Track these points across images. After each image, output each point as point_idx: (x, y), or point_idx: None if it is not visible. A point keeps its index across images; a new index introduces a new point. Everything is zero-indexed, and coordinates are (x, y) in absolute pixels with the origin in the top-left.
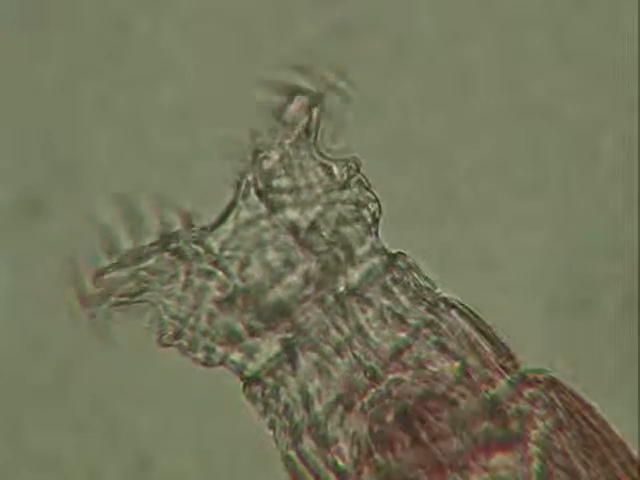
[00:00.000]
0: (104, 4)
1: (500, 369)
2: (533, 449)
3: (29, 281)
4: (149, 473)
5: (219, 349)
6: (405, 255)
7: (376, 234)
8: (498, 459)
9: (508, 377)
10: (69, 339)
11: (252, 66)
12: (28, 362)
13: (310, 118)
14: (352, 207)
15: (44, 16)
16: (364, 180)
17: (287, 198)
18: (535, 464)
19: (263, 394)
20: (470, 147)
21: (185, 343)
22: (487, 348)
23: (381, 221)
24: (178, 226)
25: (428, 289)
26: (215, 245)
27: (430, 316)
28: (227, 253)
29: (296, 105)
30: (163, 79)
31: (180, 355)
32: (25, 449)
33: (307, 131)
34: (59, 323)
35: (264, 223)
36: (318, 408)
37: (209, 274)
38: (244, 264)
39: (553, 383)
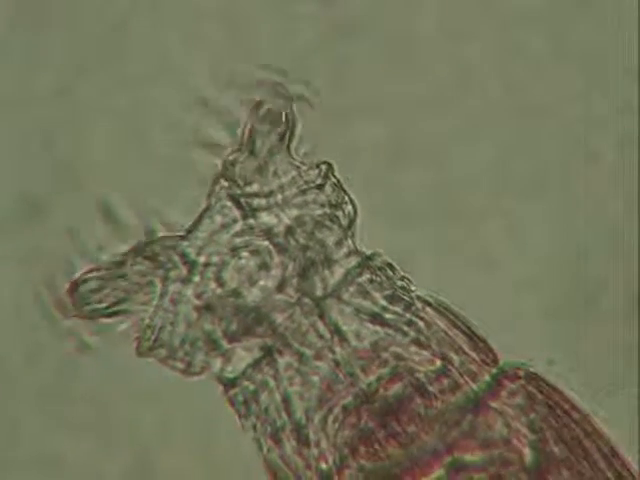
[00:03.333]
0: (104, 4)
1: (479, 364)
2: (515, 442)
3: (29, 281)
4: (149, 473)
5: (199, 357)
6: (381, 255)
7: (352, 236)
8: (480, 453)
9: (488, 372)
10: (68, 339)
11: (251, 66)
12: (28, 362)
13: (283, 123)
14: (327, 210)
15: (44, 16)
16: (338, 182)
17: (261, 202)
18: (520, 455)
19: (244, 398)
20: (470, 147)
21: (163, 352)
22: (465, 344)
23: (357, 222)
24: (155, 232)
25: (404, 288)
26: (190, 251)
27: (407, 314)
28: (202, 259)
29: (264, 111)
30: (163, 79)
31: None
32: (25, 449)
33: (281, 136)
34: (59, 323)
35: (239, 228)
36: (299, 411)
37: (185, 281)
38: (220, 269)
39: (532, 377)
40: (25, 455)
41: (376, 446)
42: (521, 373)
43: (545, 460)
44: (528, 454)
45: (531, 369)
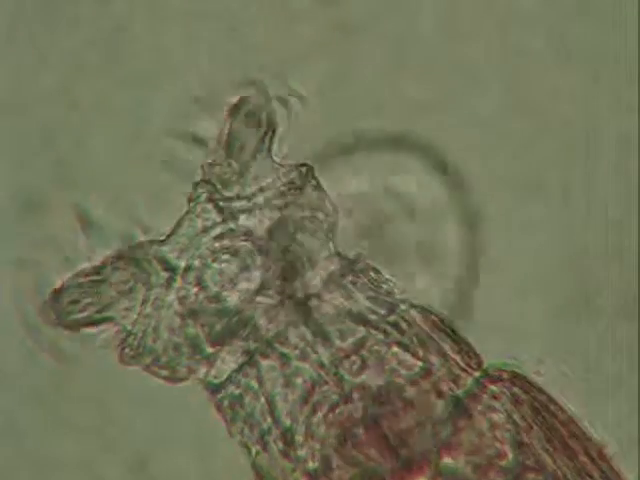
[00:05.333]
0: (103, 4)
1: (463, 367)
2: (499, 445)
3: (28, 280)
4: (149, 473)
5: (183, 362)
6: (364, 258)
7: (333, 238)
8: (465, 457)
9: (471, 375)
10: (69, 339)
11: (251, 66)
12: (27, 362)
13: (263, 124)
14: (308, 212)
15: (43, 16)
16: (319, 184)
17: (242, 205)
18: (504, 459)
19: (230, 403)
20: (469, 147)
21: (147, 359)
22: (449, 347)
23: (338, 225)
24: (136, 238)
25: (388, 291)
26: (171, 256)
27: (391, 316)
28: (183, 263)
29: (244, 111)
30: (162, 79)
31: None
32: (24, 450)
33: (260, 137)
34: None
35: (219, 231)
36: (283, 413)
37: (167, 286)
38: (201, 273)
39: (517, 378)
40: (23, 456)
41: (361, 448)
42: (505, 375)
43: (529, 462)
44: (511, 456)
45: (516, 370)
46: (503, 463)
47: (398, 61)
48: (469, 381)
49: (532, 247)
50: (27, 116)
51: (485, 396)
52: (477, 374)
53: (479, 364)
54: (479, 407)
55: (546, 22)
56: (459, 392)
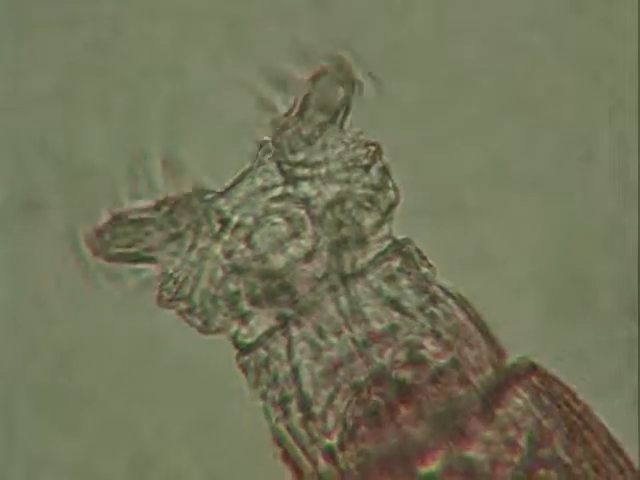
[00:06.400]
0: (103, 4)
1: (490, 360)
2: (518, 433)
3: (27, 281)
4: (149, 473)
5: (217, 316)
6: (411, 243)
7: (389, 221)
8: (481, 449)
9: (498, 369)
10: (68, 339)
11: (251, 66)
12: (26, 361)
13: (342, 97)
14: (370, 192)
15: (43, 15)
16: (385, 166)
17: (305, 172)
18: (519, 452)
19: (255, 366)
20: (467, 146)
21: (183, 306)
22: (480, 340)
23: (396, 209)
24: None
25: (429, 277)
26: (226, 209)
27: (428, 304)
28: (236, 218)
29: (325, 81)
30: (162, 79)
31: (178, 319)
32: (23, 450)
33: (336, 110)
34: (57, 322)
35: (277, 193)
36: (307, 384)
37: (216, 238)
38: (252, 231)
39: (535, 369)
40: (22, 455)
41: (380, 428)
42: (526, 368)
43: (544, 455)
44: (526, 450)
45: (539, 368)
46: (518, 456)
47: (396, 60)
48: (494, 374)
49: (530, 245)
50: (27, 116)
51: (508, 390)
52: (503, 369)
53: (503, 358)
54: (501, 400)
55: (543, 22)
56: (484, 384)
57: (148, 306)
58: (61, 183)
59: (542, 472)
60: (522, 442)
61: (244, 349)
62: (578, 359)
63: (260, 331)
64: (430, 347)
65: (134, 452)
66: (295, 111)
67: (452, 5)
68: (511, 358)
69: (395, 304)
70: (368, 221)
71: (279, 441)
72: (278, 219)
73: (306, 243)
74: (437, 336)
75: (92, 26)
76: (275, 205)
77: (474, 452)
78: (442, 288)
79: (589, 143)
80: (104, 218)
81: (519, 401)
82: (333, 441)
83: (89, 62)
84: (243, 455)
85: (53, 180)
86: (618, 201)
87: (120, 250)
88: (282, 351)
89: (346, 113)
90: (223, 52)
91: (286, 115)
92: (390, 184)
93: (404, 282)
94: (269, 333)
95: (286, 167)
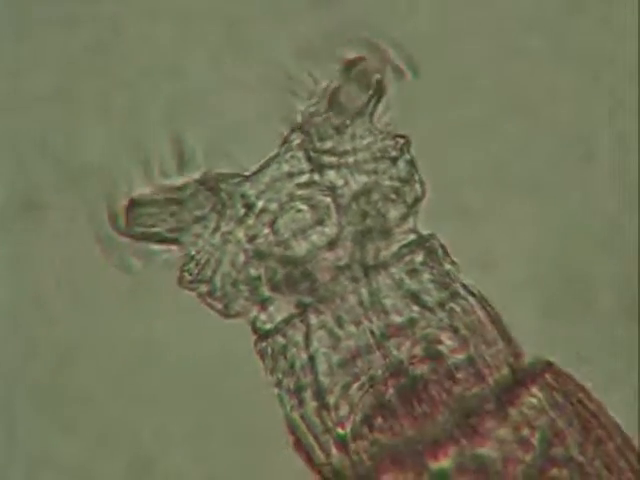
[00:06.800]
0: (103, 4)
1: (506, 359)
2: (531, 432)
3: (27, 281)
4: (149, 473)
5: (238, 300)
6: (435, 238)
7: (414, 215)
8: (494, 446)
9: (514, 368)
10: (68, 339)
11: (250, 66)
12: (26, 361)
13: (374, 87)
14: (397, 184)
15: (43, 15)
16: (413, 160)
17: (332, 160)
18: (532, 451)
19: (273, 352)
20: (467, 147)
21: (204, 289)
22: (497, 339)
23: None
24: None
25: (451, 273)
26: (251, 193)
27: (448, 299)
28: (261, 203)
29: (358, 70)
30: (162, 79)
31: (198, 302)
32: (23, 450)
33: (367, 100)
34: (57, 322)
35: (304, 180)
36: (324, 373)
37: (240, 222)
38: (276, 217)
39: (550, 367)
40: (22, 455)
41: (393, 421)
42: (542, 368)
43: (557, 455)
44: (538, 448)
45: (554, 366)
46: (531, 455)
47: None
48: (510, 373)
49: (529, 246)
50: (27, 116)
51: (523, 389)
52: (519, 368)
53: (520, 357)
54: (516, 399)
55: (543, 22)
56: (499, 382)
57: (149, 306)
58: (61, 183)
59: (555, 471)
60: (535, 441)
61: (262, 335)
62: (581, 362)
63: (279, 318)
64: (447, 342)
65: (133, 453)
66: (326, 99)
67: (453, 5)
68: (534, 361)
69: (415, 298)
70: (393, 213)
71: (292, 430)
72: (303, 206)
73: (330, 231)
74: (455, 332)
75: (92, 26)
76: (301, 192)
77: (487, 449)
78: (464, 285)
79: (589, 143)
80: (130, 196)
81: (533, 400)
82: (346, 431)
83: (89, 62)
84: (241, 457)
85: (53, 180)
86: (618, 201)
87: (144, 229)
88: (300, 339)
89: (377, 103)
90: (223, 52)
91: (317, 103)
92: (417, 177)
93: (426, 276)
94: (288, 320)
95: (313, 155)
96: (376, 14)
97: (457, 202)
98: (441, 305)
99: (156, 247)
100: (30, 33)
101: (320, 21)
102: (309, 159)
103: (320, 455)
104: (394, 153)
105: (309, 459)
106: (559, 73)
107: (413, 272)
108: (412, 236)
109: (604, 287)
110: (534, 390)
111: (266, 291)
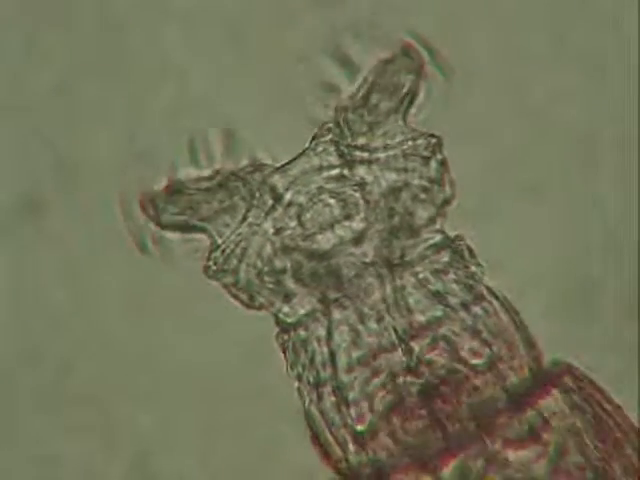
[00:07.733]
0: (103, 3)
1: (527, 364)
2: (548, 436)
3: (28, 281)
4: (149, 473)
5: (263, 292)
6: (463, 239)
7: (442, 215)
8: (511, 451)
9: (534, 372)
10: (68, 339)
11: (251, 66)
12: (27, 362)
13: (409, 86)
14: (427, 184)
15: (43, 15)
16: (444, 160)
17: (363, 156)
18: (550, 447)
19: (294, 346)
20: (470, 148)
21: (229, 279)
22: (519, 343)
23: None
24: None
25: (477, 276)
26: (280, 185)
27: (472, 301)
28: (289, 195)
29: (395, 68)
30: (163, 79)
31: (224, 293)
32: (23, 450)
33: (402, 98)
34: (57, 323)
35: (333, 174)
36: (344, 368)
37: (267, 213)
38: (303, 210)
39: (568, 368)
40: (23, 456)
41: (412, 420)
42: (562, 370)
43: (574, 458)
44: (553, 452)
45: (572, 369)
46: (546, 458)
47: None
48: (529, 378)
49: (532, 248)
50: (27, 116)
51: (540, 393)
52: (538, 372)
53: (540, 361)
54: (533, 404)
55: (546, 24)
56: (517, 387)
57: (150, 307)
58: (61, 183)
59: (572, 474)
60: (550, 445)
61: (285, 328)
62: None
63: (302, 311)
64: (468, 344)
65: (135, 454)
66: (360, 95)
67: (454, 6)
68: (554, 363)
69: (439, 298)
70: (422, 213)
71: (310, 424)
72: (331, 200)
73: (357, 227)
74: (476, 334)
75: (92, 26)
76: (330, 186)
77: (507, 453)
78: (489, 288)
79: (589, 145)
80: (160, 184)
81: (550, 404)
82: (364, 428)
83: (90, 62)
84: (245, 459)
85: (53, 180)
86: (621, 204)
87: (173, 218)
88: (322, 333)
89: (412, 101)
90: (223, 52)
91: (350, 98)
92: (447, 178)
93: (451, 277)
94: (311, 314)
95: (345, 150)
96: (376, 14)
97: (459, 203)
98: (464, 306)
99: (178, 237)
100: (30, 33)
101: (326, 20)
102: (340, 154)
103: (337, 450)
104: (426, 152)
105: (326, 454)
106: (562, 75)
107: (438, 272)
108: (439, 236)
109: (604, 287)
110: (552, 393)
111: (291, 284)
